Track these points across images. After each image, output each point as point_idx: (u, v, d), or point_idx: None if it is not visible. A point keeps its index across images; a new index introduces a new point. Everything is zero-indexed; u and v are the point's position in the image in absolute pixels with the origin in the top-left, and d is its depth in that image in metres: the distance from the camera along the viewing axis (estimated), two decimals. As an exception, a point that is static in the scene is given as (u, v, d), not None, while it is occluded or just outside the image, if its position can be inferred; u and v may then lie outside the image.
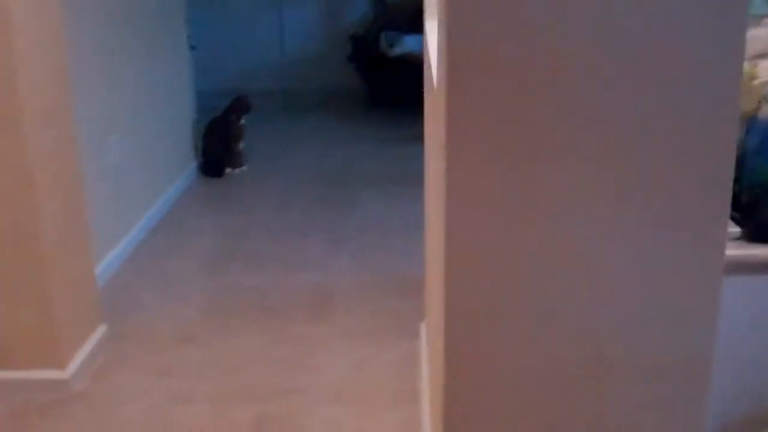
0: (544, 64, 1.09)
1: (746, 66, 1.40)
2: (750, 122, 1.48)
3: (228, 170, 5.28)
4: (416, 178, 4.86)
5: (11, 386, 2.80)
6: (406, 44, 6.49)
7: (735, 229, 1.40)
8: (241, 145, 5.31)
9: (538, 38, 1.08)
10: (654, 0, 1.05)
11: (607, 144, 1.11)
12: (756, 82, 1.47)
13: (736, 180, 1.13)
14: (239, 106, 5.27)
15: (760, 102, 1.46)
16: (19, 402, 2.76)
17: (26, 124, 2.57)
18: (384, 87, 6.92)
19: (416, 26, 6.63)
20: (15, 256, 2.69)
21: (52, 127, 2.74)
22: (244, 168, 5.35)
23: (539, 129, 1.12)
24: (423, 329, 3.06)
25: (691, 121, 1.08)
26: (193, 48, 5.62)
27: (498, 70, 1.10)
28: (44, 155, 2.68)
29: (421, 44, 6.29)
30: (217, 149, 5.24)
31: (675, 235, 1.13)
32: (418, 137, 4.91)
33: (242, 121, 5.26)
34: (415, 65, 6.27)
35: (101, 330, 3.10)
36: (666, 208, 1.12)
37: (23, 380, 2.81)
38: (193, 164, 5.25)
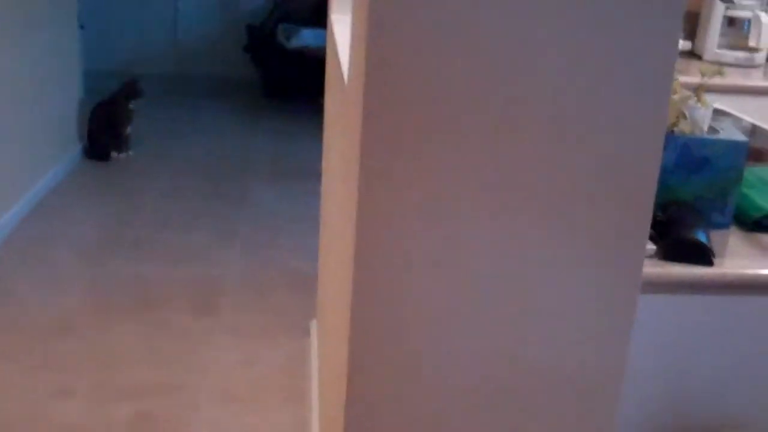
0: (463, 65, 1.07)
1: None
2: (667, 138, 1.49)
3: (114, 155, 5.09)
4: (310, 174, 4.82)
5: None
6: (303, 38, 6.42)
7: (650, 247, 1.40)
8: (129, 130, 5.12)
9: (459, 38, 1.06)
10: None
11: (525, 152, 1.10)
12: (675, 96, 1.48)
13: (653, 198, 1.13)
14: (129, 89, 5.08)
15: (677, 117, 1.47)
16: None
17: None
18: (280, 79, 6.82)
19: (314, 20, 6.59)
20: None
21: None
22: (130, 153, 5.17)
23: (456, 132, 1.09)
24: (313, 327, 3.02)
25: (614, 134, 1.08)
26: (81, 27, 5.39)
27: (417, 70, 1.07)
28: None
29: (319, 38, 6.26)
30: (104, 133, 5.04)
31: (593, 249, 1.13)
32: (313, 132, 4.89)
33: (131, 105, 5.07)
34: (312, 59, 6.24)
35: (-29, 318, 2.92)
36: (584, 220, 1.12)
37: None
38: (77, 147, 5.03)
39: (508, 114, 1.08)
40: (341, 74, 1.66)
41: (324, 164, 2.77)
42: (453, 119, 1.08)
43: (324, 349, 2.34)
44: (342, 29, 2.16)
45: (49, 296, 3.29)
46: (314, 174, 4.70)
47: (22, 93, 4.14)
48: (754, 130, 2.54)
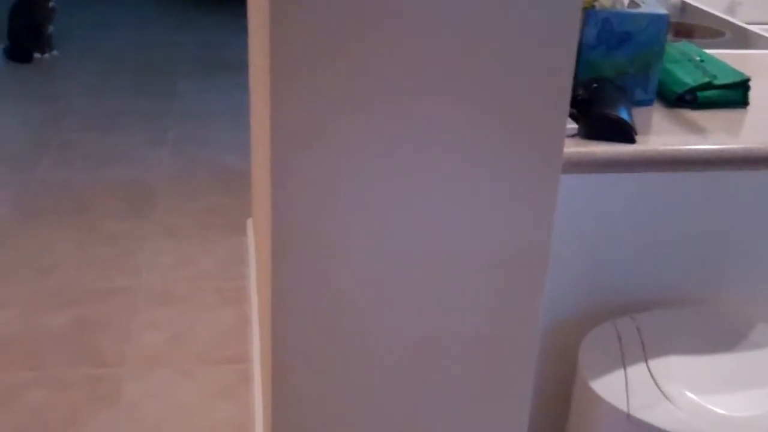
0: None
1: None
2: (587, 13, 1.45)
3: (36, 55, 4.89)
4: (239, 66, 4.70)
5: None
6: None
7: (571, 126, 1.37)
8: (51, 29, 4.91)
9: None
10: None
11: (433, 32, 1.05)
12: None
13: (573, 75, 1.10)
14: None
15: (599, -8, 1.43)
16: None
17: None
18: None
19: None
20: None
21: None
22: (54, 53, 4.97)
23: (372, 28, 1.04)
24: (249, 225, 2.99)
25: (529, 9, 1.04)
26: None
27: None
28: None
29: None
30: (24, 32, 4.83)
31: (512, 129, 1.10)
32: (242, 24, 4.72)
33: (52, 3, 4.84)
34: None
35: None
36: (503, 102, 1.08)
37: None
38: (-3, 48, 4.83)
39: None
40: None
41: (249, 57, 2.68)
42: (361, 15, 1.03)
43: (259, 246, 2.32)
44: None
45: (-26, 206, 3.20)
46: (243, 66, 4.58)
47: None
48: (684, 7, 2.51)
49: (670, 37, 1.92)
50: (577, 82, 1.40)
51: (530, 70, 1.08)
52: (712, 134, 1.46)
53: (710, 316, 1.67)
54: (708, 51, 1.72)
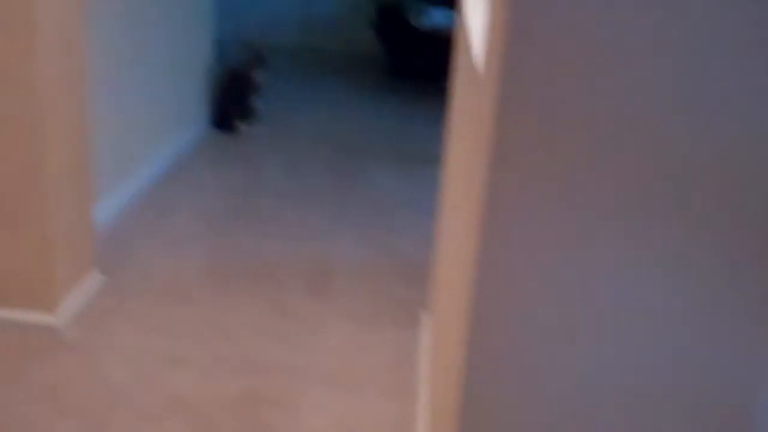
0: (606, 66, 0.99)
1: None
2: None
3: (239, 125, 5.17)
4: (430, 158, 4.80)
5: (-2, 325, 2.73)
6: (434, 18, 6.36)
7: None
8: (256, 101, 5.19)
9: (603, 41, 0.98)
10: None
11: (663, 152, 1.02)
12: None
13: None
14: (256, 60, 5.14)
15: None
16: (5, 342, 2.68)
17: (40, 54, 2.46)
18: (407, 59, 6.79)
19: (446, 0, 6.51)
20: (18, 189, 2.59)
21: (66, 60, 2.63)
22: (257, 125, 5.24)
23: (595, 133, 1.02)
24: (425, 319, 2.98)
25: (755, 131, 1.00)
26: (217, -4, 5.49)
27: (557, 66, 1.01)
28: (56, 89, 2.58)
29: (449, 19, 6.19)
30: (230, 103, 5.12)
31: (731, 265, 1.04)
32: (436, 114, 4.85)
33: (258, 77, 5.13)
34: (441, 40, 6.18)
35: (95, 277, 3.01)
36: (723, 235, 1.03)
37: (11, 320, 2.72)
38: (204, 115, 5.13)
39: (648, 115, 1.01)
40: (473, 61, 1.60)
41: (448, 151, 2.72)
42: (592, 120, 1.01)
43: (436, 343, 2.31)
44: (475, 14, 2.10)
45: (169, 263, 3.37)
46: (433, 158, 4.67)
47: (159, 58, 4.24)
48: None
49: None
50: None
51: (756, 200, 1.03)
52: None
53: None
54: None
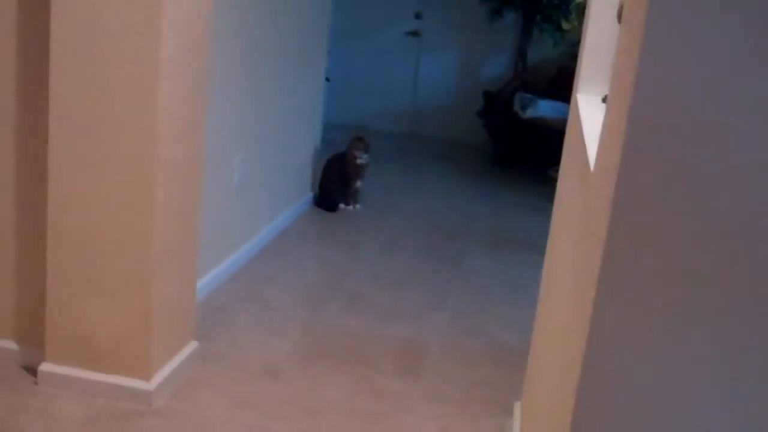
0: (729, 198, 0.96)
1: None
2: None
3: (342, 206, 5.24)
4: (529, 246, 4.75)
5: (94, 387, 2.78)
6: (540, 108, 6.37)
7: None
8: (359, 184, 5.27)
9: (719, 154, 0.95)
10: None
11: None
12: None
13: None
14: (361, 144, 5.22)
15: None
16: (99, 406, 2.73)
17: (160, 133, 2.56)
18: (511, 148, 6.81)
19: (552, 92, 6.54)
20: (125, 258, 2.67)
21: (183, 139, 2.73)
22: (358, 206, 5.30)
23: (709, 260, 0.98)
24: (517, 408, 2.90)
25: None
26: (327, 80, 5.64)
27: (673, 172, 0.98)
28: (170, 166, 2.67)
29: (555, 110, 6.20)
30: (335, 185, 5.21)
31: None
32: (538, 204, 4.81)
33: (362, 160, 5.20)
34: (546, 131, 6.18)
35: (191, 347, 3.05)
36: None
37: (107, 384, 2.77)
38: (308, 195, 5.23)
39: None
40: (585, 158, 1.58)
41: (550, 242, 2.68)
42: (706, 239, 0.98)
43: (527, 435, 2.23)
44: (589, 111, 2.09)
45: (263, 336, 3.39)
46: (533, 246, 4.62)
47: (270, 140, 4.37)
48: None
49: None
50: None
51: None
52: None
53: None
54: None
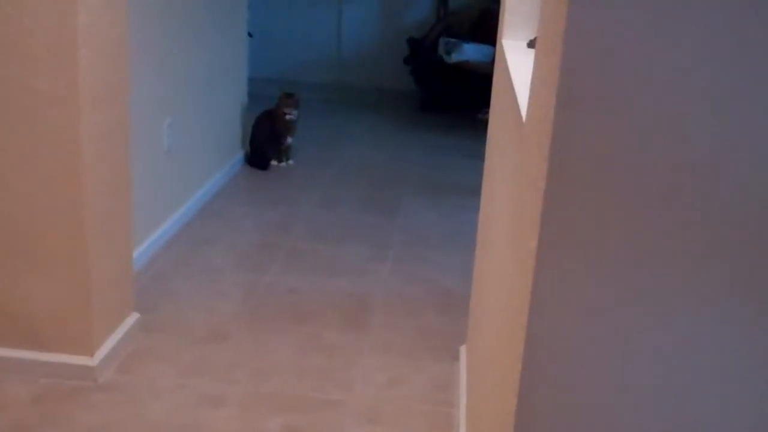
0: (666, 118, 0.97)
1: None
2: None
3: (274, 163, 5.20)
4: (465, 189, 4.77)
5: (37, 367, 2.73)
6: (465, 52, 6.37)
7: None
8: (290, 140, 5.22)
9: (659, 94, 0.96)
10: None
11: (722, 214, 0.99)
12: None
13: None
14: (290, 101, 5.16)
15: None
16: (43, 385, 2.69)
17: (82, 101, 2.49)
18: (438, 93, 6.81)
19: (476, 35, 6.53)
20: (56, 232, 2.61)
21: (107, 106, 2.66)
22: (290, 162, 5.26)
23: (653, 197, 1.00)
24: (463, 352, 2.94)
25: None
26: (250, 35, 5.54)
27: (611, 126, 0.98)
28: (96, 135, 2.60)
29: (480, 53, 6.20)
30: (266, 143, 5.15)
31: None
32: (469, 147, 4.84)
33: (292, 116, 5.15)
34: (472, 74, 6.19)
35: (133, 318, 3.02)
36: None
37: (49, 363, 2.73)
38: (239, 154, 5.17)
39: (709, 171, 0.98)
40: (517, 108, 1.59)
41: (485, 186, 2.70)
42: (647, 180, 0.99)
43: (476, 379, 2.27)
44: (516, 57, 2.09)
45: (206, 301, 3.37)
46: (468, 190, 4.65)
47: (196, 100, 4.28)
48: None
49: None
50: None
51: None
52: None
53: None
54: None
